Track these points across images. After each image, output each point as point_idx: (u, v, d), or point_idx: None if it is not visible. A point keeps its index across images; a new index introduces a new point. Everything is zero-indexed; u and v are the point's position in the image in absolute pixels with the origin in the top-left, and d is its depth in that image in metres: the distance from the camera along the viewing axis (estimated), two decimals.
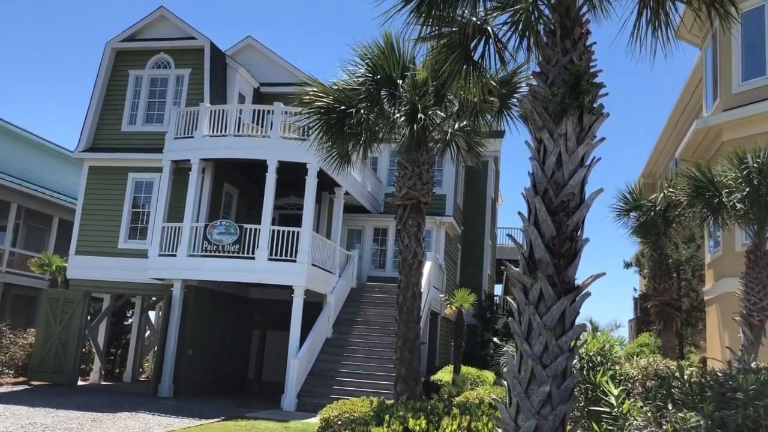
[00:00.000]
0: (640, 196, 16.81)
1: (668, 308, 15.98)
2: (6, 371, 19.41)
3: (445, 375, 17.56)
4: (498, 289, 32.78)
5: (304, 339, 17.29)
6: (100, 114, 20.54)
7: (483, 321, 24.88)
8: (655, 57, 6.96)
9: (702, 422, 5.32)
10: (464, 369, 18.11)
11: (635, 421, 5.59)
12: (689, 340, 19.61)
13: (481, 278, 26.87)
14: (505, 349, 14.96)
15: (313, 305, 18.35)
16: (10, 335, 20.24)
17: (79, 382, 19.55)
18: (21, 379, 19.00)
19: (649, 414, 5.65)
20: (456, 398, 14.31)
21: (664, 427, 5.43)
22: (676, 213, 15.02)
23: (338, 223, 20.77)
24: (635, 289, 25.85)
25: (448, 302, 17.86)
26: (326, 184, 19.55)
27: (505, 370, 13.59)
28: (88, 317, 19.96)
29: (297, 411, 15.87)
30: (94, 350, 20.90)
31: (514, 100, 10.55)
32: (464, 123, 11.61)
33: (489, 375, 19.18)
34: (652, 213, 15.92)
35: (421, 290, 11.18)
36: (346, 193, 20.78)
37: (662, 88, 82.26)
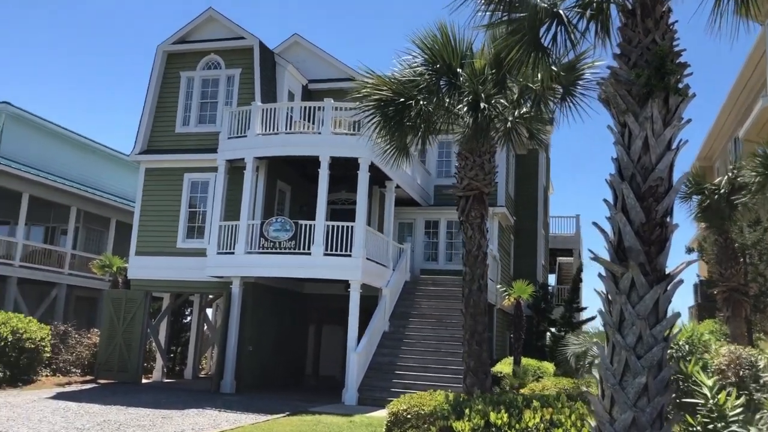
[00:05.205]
0: (703, 179, 16.34)
1: (736, 294, 15.51)
2: (73, 370, 20.01)
3: (504, 367, 17.38)
4: (552, 279, 32.36)
5: (360, 333, 17.31)
6: (154, 116, 20.88)
7: (538, 311, 24.59)
8: (722, 34, 6.71)
9: None
10: (523, 360, 17.89)
11: (738, 415, 5.36)
12: (758, 326, 18.96)
13: (535, 268, 26.48)
14: (569, 337, 14.73)
15: (367, 299, 18.34)
16: (75, 335, 20.83)
17: (143, 380, 20.00)
18: (88, 377, 19.54)
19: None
20: (520, 390, 14.15)
21: None
22: (743, 195, 14.53)
23: (390, 217, 20.71)
24: (698, 275, 25.12)
25: (506, 294, 17.65)
26: (377, 178, 19.49)
27: (570, 359, 13.36)
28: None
29: (358, 405, 15.92)
30: (155, 348, 21.34)
31: (578, 85, 10.29)
32: (524, 110, 11.40)
33: (549, 366, 18.93)
34: (716, 196, 15.45)
35: (488, 282, 11.04)
36: (397, 187, 20.71)
37: (716, 69, 79.76)
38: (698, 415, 5.93)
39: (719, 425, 5.64)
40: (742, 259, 17.33)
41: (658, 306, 5.51)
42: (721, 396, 5.74)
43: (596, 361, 6.34)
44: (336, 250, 17.43)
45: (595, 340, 9.04)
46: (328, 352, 23.08)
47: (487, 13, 7.23)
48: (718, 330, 18.58)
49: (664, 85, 5.77)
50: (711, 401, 5.81)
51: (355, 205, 18.43)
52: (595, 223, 5.87)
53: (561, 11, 7.11)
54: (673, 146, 5.91)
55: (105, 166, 31.16)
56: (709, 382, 5.91)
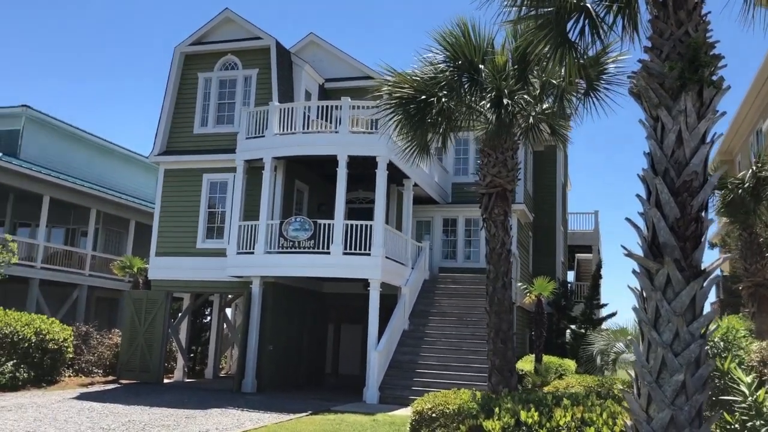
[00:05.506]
0: (725, 173, 16.14)
1: (762, 289, 15.30)
2: (95, 370, 20.16)
3: (525, 364, 17.26)
4: (571, 276, 32.15)
5: (380, 332, 17.28)
6: (172, 118, 20.94)
7: (558, 309, 24.46)
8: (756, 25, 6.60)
9: None
10: (545, 358, 17.76)
11: None
12: None
13: (554, 265, 26.31)
14: (590, 334, 14.63)
15: (387, 297, 18.30)
16: (97, 336, 20.99)
17: (164, 380, 20.09)
18: (110, 378, 19.68)
19: None
20: (543, 388, 14.04)
21: None
22: None
23: (408, 215, 20.66)
24: (720, 270, 24.83)
25: (526, 291, 17.55)
26: (395, 177, 19.44)
27: (595, 356, 13.24)
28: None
29: (380, 404, 15.89)
30: (176, 348, 21.45)
31: (602, 80, 10.18)
32: (545, 106, 11.31)
33: (570, 363, 18.79)
34: (740, 190, 15.25)
35: (512, 279, 10.96)
36: (415, 185, 20.65)
37: (735, 60, 78.79)
38: (736, 413, 5.83)
39: (758, 423, 5.53)
40: (767, 254, 17.11)
41: (695, 302, 5.43)
42: (760, 393, 5.64)
43: (630, 358, 6.24)
44: (355, 249, 17.40)
45: (629, 337, 8.92)
46: (347, 350, 23.08)
47: (513, 9, 7.16)
48: (742, 326, 18.35)
49: (698, 77, 5.67)
50: (749, 398, 5.70)
51: (372, 204, 18.39)
52: (628, 219, 5.79)
53: (589, 5, 7.04)
54: (708, 140, 5.81)
55: (123, 168, 31.40)
56: (747, 379, 5.81)
